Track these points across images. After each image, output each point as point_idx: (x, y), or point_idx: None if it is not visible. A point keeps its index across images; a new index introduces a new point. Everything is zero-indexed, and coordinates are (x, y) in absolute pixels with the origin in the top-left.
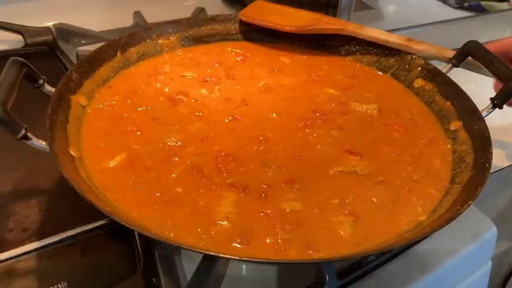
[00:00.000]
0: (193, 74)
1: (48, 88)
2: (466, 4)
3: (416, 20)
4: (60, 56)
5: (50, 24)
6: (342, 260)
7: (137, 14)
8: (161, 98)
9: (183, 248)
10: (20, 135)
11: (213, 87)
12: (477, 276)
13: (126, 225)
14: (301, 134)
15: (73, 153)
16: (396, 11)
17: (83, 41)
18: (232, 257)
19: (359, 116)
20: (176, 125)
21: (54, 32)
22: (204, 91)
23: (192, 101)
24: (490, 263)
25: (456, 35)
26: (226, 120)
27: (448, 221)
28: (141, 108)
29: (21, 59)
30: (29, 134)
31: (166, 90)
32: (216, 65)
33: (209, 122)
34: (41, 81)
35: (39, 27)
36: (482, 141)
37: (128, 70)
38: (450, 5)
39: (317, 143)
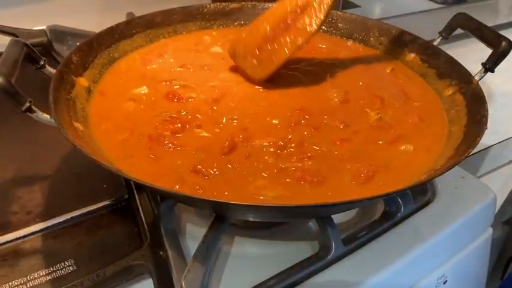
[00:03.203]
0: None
1: (49, 69)
2: (450, 1)
3: None
4: (57, 58)
5: (43, 27)
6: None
7: (130, 16)
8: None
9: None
10: (24, 107)
11: None
12: (478, 243)
13: (140, 181)
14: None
15: (77, 127)
16: (382, 8)
17: (78, 42)
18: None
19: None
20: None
21: (48, 34)
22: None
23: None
24: (491, 229)
25: (438, 24)
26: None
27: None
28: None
29: (21, 40)
30: (34, 107)
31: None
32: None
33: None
34: (42, 62)
35: (34, 30)
36: (477, 101)
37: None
38: (435, 1)
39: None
